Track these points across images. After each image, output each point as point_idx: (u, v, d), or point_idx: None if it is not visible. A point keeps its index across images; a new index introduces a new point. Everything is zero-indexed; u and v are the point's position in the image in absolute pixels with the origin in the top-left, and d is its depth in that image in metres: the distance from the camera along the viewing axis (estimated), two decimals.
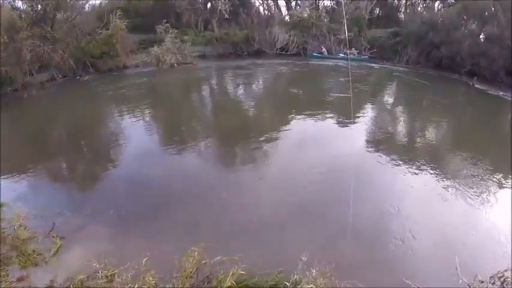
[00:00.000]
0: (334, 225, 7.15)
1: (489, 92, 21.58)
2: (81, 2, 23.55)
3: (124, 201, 8.16)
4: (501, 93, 20.81)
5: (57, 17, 20.99)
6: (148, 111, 16.27)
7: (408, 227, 7.14)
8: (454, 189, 8.85)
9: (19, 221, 7.22)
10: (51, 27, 20.83)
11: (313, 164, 9.47)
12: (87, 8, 25.47)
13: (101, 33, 25.52)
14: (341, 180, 8.43)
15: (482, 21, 22.44)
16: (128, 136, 12.70)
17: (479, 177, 9.74)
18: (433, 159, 10.55)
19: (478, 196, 8.67)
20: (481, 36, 22.97)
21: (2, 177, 9.69)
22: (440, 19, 25.77)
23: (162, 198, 8.11)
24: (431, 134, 14.19)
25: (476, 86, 22.70)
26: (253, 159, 10.28)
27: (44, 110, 18.08)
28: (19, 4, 20.09)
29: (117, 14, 26.01)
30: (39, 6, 19.61)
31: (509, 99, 19.89)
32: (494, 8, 21.27)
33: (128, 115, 15.73)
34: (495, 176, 9.93)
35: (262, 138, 11.46)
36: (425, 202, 8.06)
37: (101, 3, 28.91)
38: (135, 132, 13.28)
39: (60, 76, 23.10)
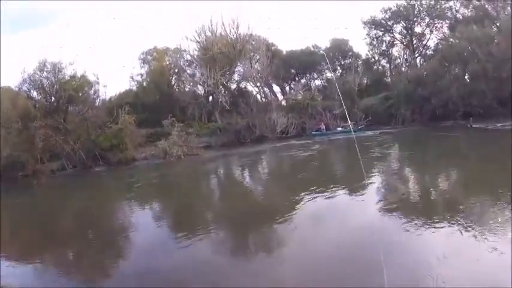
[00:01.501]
0: None
1: (488, 127, 21.70)
2: (92, 97, 25.69)
3: None
4: (499, 125, 20.95)
5: (70, 110, 22.78)
6: (157, 202, 16.11)
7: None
8: (484, 238, 8.02)
9: None
10: (63, 119, 22.52)
11: (330, 241, 8.91)
12: (97, 103, 27.55)
13: (110, 127, 27.12)
14: (362, 252, 7.91)
15: (463, 63, 23.76)
16: (137, 227, 12.45)
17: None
18: (454, 211, 9.75)
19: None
20: (466, 77, 24.05)
21: (7, 262, 9.44)
22: (425, 73, 27.35)
23: None
24: (444, 185, 13.45)
25: (474, 126, 22.94)
26: (267, 243, 9.69)
27: (53, 198, 18.26)
28: (34, 94, 22.12)
29: (126, 109, 28.11)
30: (52, 98, 21.51)
31: (509, 128, 19.81)
32: (470, 47, 22.74)
33: (137, 206, 15.44)
34: None
35: (275, 220, 10.95)
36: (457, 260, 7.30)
37: (110, 98, 31.54)
38: (145, 222, 12.99)
39: (71, 166, 24.00)
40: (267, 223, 10.67)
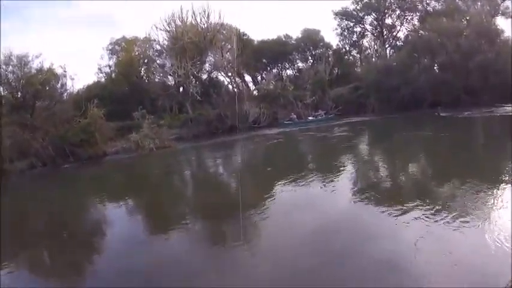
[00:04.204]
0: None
1: (455, 116, 23.04)
2: (59, 90, 24.41)
3: None
4: (466, 113, 22.32)
5: (37, 105, 21.52)
6: (131, 198, 15.68)
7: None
8: (453, 218, 8.46)
9: None
10: (30, 115, 21.24)
11: (305, 229, 9.14)
12: (65, 96, 26.23)
13: (79, 121, 25.95)
14: (336, 239, 8.25)
15: (432, 54, 24.76)
16: (112, 224, 12.16)
17: (473, 197, 9.07)
18: (424, 194, 10.16)
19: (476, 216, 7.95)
20: (435, 68, 25.09)
21: None
22: (394, 63, 28.25)
23: None
24: (414, 170, 14.04)
25: (442, 114, 24.21)
26: (243, 235, 9.86)
27: (23, 198, 17.08)
28: None
29: (94, 102, 26.92)
30: (19, 93, 20.20)
31: (476, 115, 21.23)
32: (439, 39, 23.72)
33: (111, 203, 14.92)
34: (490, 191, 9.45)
35: (249, 212, 11.14)
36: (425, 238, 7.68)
37: (78, 91, 30.04)
38: (119, 219, 12.72)
39: (40, 164, 22.76)
40: (236, 213, 10.80)
